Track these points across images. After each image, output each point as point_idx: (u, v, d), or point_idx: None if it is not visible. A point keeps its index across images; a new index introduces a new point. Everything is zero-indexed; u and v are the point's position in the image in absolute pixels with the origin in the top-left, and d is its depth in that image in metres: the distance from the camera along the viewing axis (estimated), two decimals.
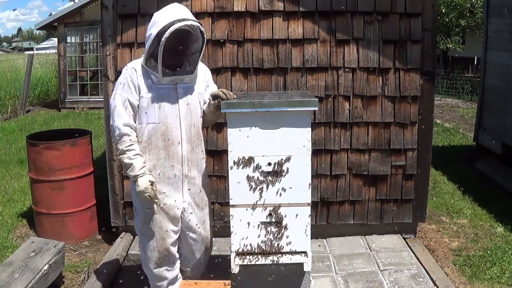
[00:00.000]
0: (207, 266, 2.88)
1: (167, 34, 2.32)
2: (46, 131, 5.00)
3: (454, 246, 3.81)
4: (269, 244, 2.42)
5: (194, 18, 2.45)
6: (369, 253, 3.64)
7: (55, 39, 17.50)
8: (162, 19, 2.38)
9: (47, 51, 26.69)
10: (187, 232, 2.66)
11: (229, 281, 2.51)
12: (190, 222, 2.64)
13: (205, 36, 2.47)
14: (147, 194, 2.41)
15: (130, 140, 2.46)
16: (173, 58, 2.47)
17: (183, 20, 2.37)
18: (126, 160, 2.45)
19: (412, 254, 3.59)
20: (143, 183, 2.41)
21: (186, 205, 2.61)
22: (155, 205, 2.51)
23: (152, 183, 2.43)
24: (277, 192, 2.39)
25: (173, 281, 2.74)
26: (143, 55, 2.49)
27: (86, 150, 3.96)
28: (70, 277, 3.39)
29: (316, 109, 2.48)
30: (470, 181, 5.31)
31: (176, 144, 2.52)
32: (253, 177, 2.37)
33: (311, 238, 2.46)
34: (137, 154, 2.46)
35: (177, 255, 2.72)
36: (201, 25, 2.45)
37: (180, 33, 2.39)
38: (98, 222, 4.09)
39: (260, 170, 2.37)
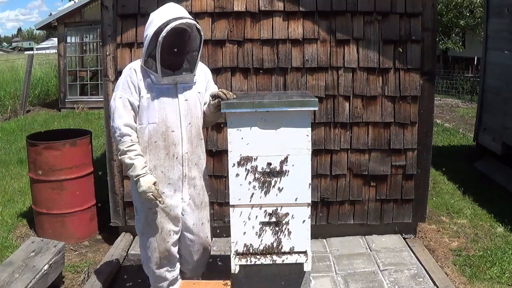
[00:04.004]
0: (207, 266, 2.88)
1: (164, 33, 2.32)
2: (46, 131, 5.00)
3: (454, 246, 3.81)
4: (269, 244, 2.42)
5: (190, 17, 2.45)
6: (369, 253, 3.64)
7: (55, 39, 17.51)
8: (158, 19, 2.38)
9: (47, 51, 26.71)
10: (186, 233, 2.66)
11: (229, 281, 2.51)
12: (188, 223, 2.63)
13: (202, 34, 2.47)
14: (150, 193, 2.41)
15: (131, 140, 2.46)
16: (172, 57, 2.47)
17: (179, 18, 2.37)
18: (127, 161, 2.45)
19: (412, 254, 3.59)
20: (145, 183, 2.41)
21: (186, 205, 2.61)
22: (156, 206, 2.51)
23: (154, 183, 2.43)
24: (277, 192, 2.38)
25: (173, 282, 2.73)
26: (142, 56, 2.49)
27: (86, 150, 3.96)
28: (70, 277, 3.39)
29: (316, 109, 2.48)
30: (470, 181, 5.31)
31: (177, 144, 2.51)
32: (253, 177, 2.37)
33: (311, 238, 2.46)
34: (138, 155, 2.46)
35: (178, 256, 2.72)
36: (197, 23, 2.45)
37: (177, 31, 2.39)
38: (98, 222, 4.09)
39: (260, 170, 2.36)
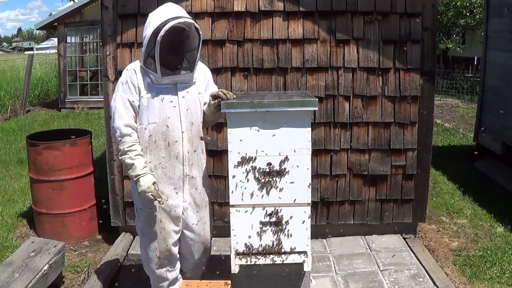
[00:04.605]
0: (207, 266, 2.88)
1: (162, 32, 2.32)
2: (46, 131, 5.00)
3: (454, 246, 3.81)
4: (269, 244, 2.42)
5: (188, 16, 2.45)
6: (369, 253, 3.64)
7: (55, 39, 17.52)
8: (156, 19, 2.39)
9: (47, 51, 26.75)
10: (187, 233, 2.66)
11: (229, 281, 2.51)
12: (189, 223, 2.64)
13: (200, 33, 2.47)
14: (149, 193, 2.41)
15: (131, 140, 2.46)
16: (171, 57, 2.47)
17: (177, 17, 2.37)
18: (128, 161, 2.45)
19: (412, 254, 3.59)
20: (145, 183, 2.41)
21: (187, 205, 2.61)
22: (156, 205, 2.52)
23: (154, 183, 2.43)
24: (277, 192, 2.39)
25: (174, 281, 2.74)
26: (141, 56, 2.49)
27: (86, 150, 3.96)
28: (70, 277, 3.39)
29: (316, 109, 2.48)
30: (470, 181, 5.31)
31: (177, 144, 2.52)
32: (253, 177, 2.37)
33: (311, 238, 2.46)
34: (138, 154, 2.46)
35: (178, 256, 2.72)
36: (195, 22, 2.45)
37: (175, 30, 2.39)
38: (98, 222, 4.09)
39: (260, 170, 2.37)
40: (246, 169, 2.37)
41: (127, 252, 3.67)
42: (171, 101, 2.50)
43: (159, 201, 2.45)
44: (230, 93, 2.47)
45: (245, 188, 2.38)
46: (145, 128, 2.50)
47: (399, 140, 3.69)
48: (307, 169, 2.38)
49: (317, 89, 3.63)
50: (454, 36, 15.58)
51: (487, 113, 6.10)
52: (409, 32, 3.57)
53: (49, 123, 9.16)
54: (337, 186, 3.75)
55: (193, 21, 2.43)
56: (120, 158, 2.50)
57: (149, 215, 2.57)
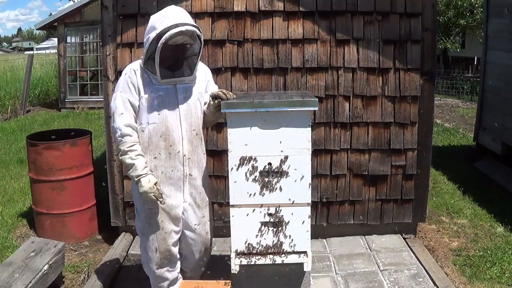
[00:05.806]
0: (207, 266, 2.89)
1: (163, 40, 2.31)
2: (46, 131, 5.00)
3: (454, 246, 3.81)
4: (269, 244, 2.42)
5: (190, 22, 2.43)
6: (369, 253, 3.64)
7: (55, 39, 17.51)
8: (159, 24, 2.37)
9: (47, 51, 26.76)
10: (187, 232, 2.66)
11: (229, 281, 2.51)
12: (190, 223, 2.64)
13: (202, 40, 2.47)
14: (151, 194, 2.41)
15: (132, 140, 2.46)
16: (171, 61, 2.47)
17: (179, 25, 2.34)
18: (128, 161, 2.45)
19: (412, 254, 3.59)
20: (146, 184, 2.41)
21: (187, 205, 2.61)
22: (157, 205, 2.52)
23: (155, 183, 2.43)
24: (277, 192, 2.38)
25: (174, 281, 2.74)
26: (142, 56, 2.49)
27: (86, 150, 3.96)
28: (70, 277, 3.40)
29: (316, 109, 2.48)
30: (470, 181, 5.31)
31: (177, 144, 2.52)
32: (253, 177, 2.37)
33: (311, 238, 2.46)
34: (139, 155, 2.46)
35: (178, 256, 2.72)
36: (198, 29, 2.43)
37: (176, 39, 2.38)
38: (98, 222, 4.10)
39: (260, 170, 2.37)
40: (246, 169, 2.37)
41: (127, 252, 3.67)
42: (171, 101, 2.50)
43: (160, 202, 2.45)
44: (230, 93, 2.47)
45: (245, 188, 2.38)
46: (145, 128, 2.50)
47: (399, 140, 3.69)
48: (307, 169, 2.38)
49: (317, 89, 3.63)
50: (454, 36, 15.60)
51: (487, 113, 6.10)
52: (409, 32, 3.57)
53: (49, 123, 9.16)
54: (337, 186, 3.75)
55: (195, 29, 2.40)
56: (120, 158, 2.50)
57: (149, 215, 2.57)
